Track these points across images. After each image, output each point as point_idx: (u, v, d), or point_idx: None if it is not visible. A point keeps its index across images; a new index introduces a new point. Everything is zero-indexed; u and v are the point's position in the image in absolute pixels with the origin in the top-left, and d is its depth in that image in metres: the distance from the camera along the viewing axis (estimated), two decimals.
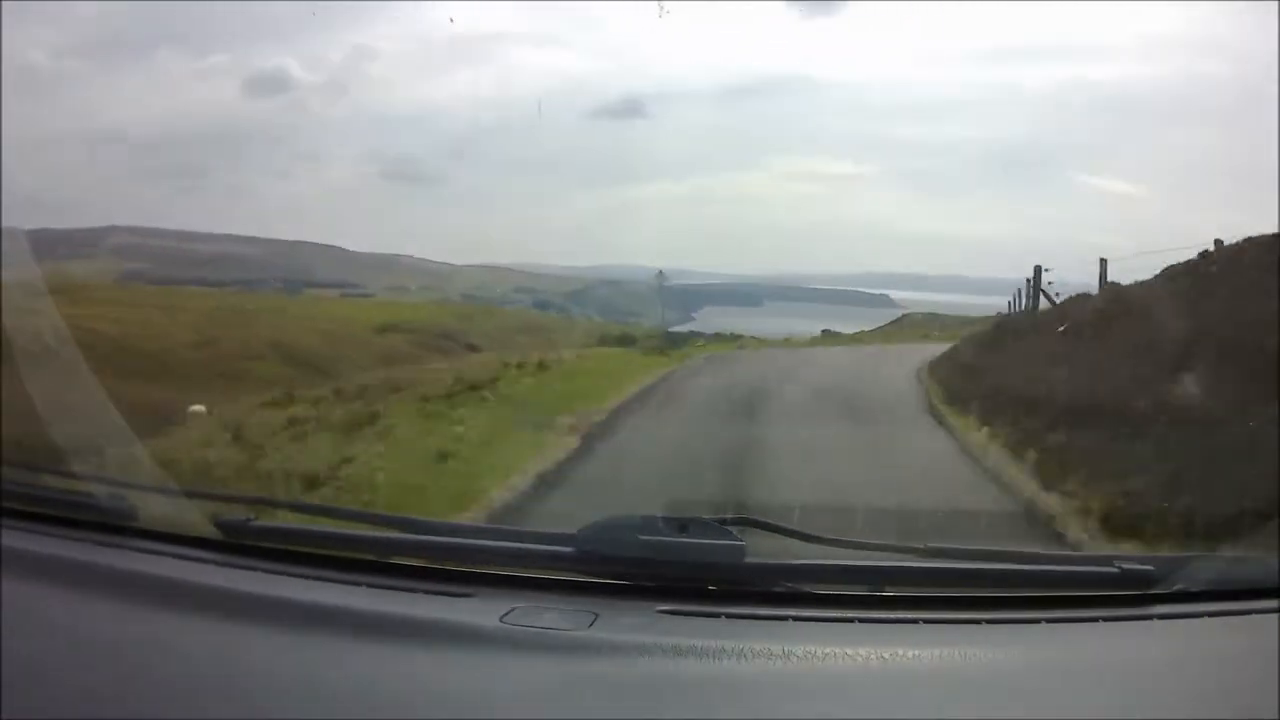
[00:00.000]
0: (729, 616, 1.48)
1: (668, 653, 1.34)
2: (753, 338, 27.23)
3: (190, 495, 1.98)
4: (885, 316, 30.16)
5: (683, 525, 1.57)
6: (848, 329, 28.42)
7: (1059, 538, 5.60)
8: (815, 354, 23.32)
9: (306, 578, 1.59)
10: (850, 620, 1.49)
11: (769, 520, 1.67)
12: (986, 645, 1.46)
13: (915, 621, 1.48)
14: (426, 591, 1.54)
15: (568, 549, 1.58)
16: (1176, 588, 1.54)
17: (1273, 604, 1.50)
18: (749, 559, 1.55)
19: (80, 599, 1.51)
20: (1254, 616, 1.51)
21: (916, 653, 1.40)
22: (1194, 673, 1.39)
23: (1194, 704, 1.29)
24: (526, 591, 1.54)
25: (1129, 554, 1.61)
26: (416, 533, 1.81)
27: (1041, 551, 1.80)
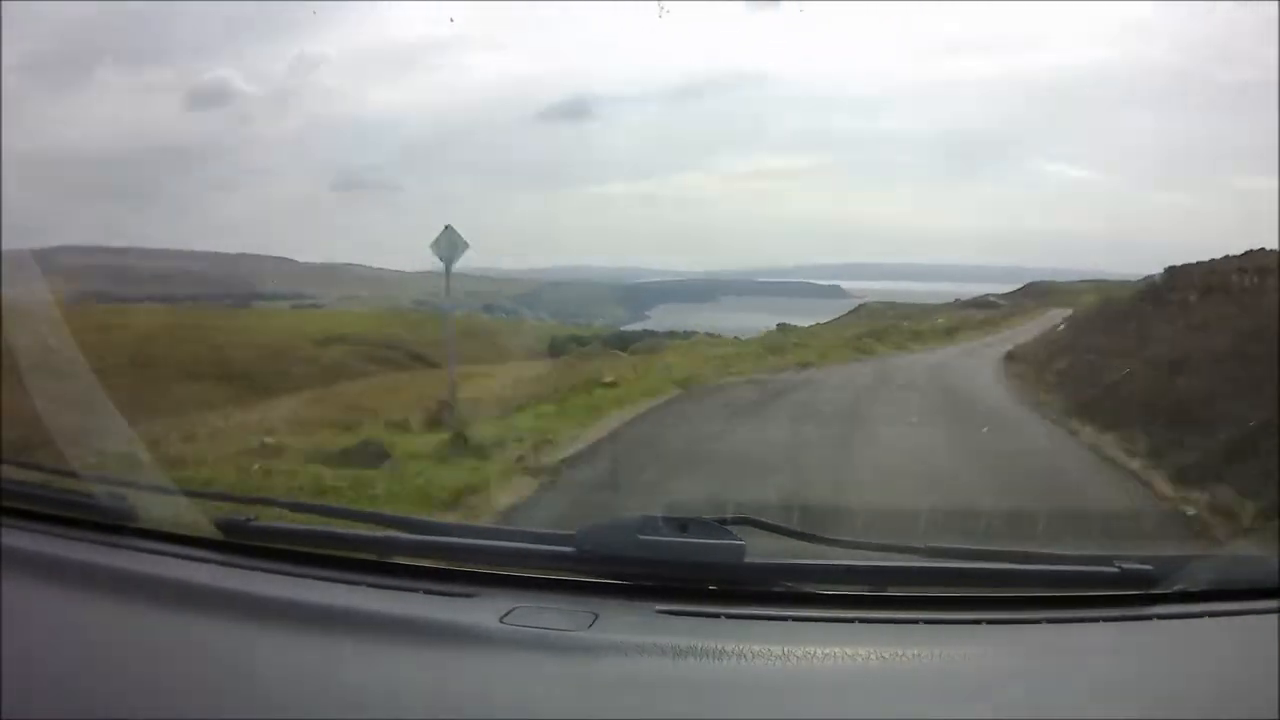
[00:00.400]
0: (729, 616, 1.48)
1: (667, 653, 1.34)
2: (707, 334, 26.65)
3: (190, 495, 1.98)
4: (839, 308, 29.71)
5: (683, 525, 1.57)
6: (803, 322, 27.93)
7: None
8: (896, 371, 18.87)
9: (306, 578, 1.59)
10: (850, 620, 1.49)
11: (769, 520, 1.67)
12: (986, 645, 1.46)
13: (915, 621, 1.48)
14: (427, 591, 1.54)
15: (568, 549, 1.58)
16: (1176, 588, 1.54)
17: (1273, 604, 1.50)
18: (749, 559, 1.55)
19: (80, 599, 1.51)
20: (1254, 616, 1.51)
21: (916, 653, 1.40)
22: (1194, 673, 1.39)
23: (1194, 704, 1.29)
24: (527, 591, 1.54)
25: (1129, 554, 1.61)
26: (416, 533, 1.81)
27: (1041, 551, 1.79)
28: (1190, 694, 1.32)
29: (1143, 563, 1.57)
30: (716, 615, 1.49)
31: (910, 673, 1.36)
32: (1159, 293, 17.00)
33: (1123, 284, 26.57)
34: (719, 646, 1.35)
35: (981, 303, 29.06)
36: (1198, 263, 17.01)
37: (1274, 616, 1.48)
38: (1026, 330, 26.14)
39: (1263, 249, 15.53)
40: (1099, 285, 27.78)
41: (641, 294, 30.41)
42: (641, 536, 1.55)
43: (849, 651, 1.41)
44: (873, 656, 1.38)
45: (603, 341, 25.09)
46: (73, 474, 1.90)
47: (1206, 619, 1.51)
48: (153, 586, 1.54)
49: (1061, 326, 23.66)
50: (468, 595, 1.53)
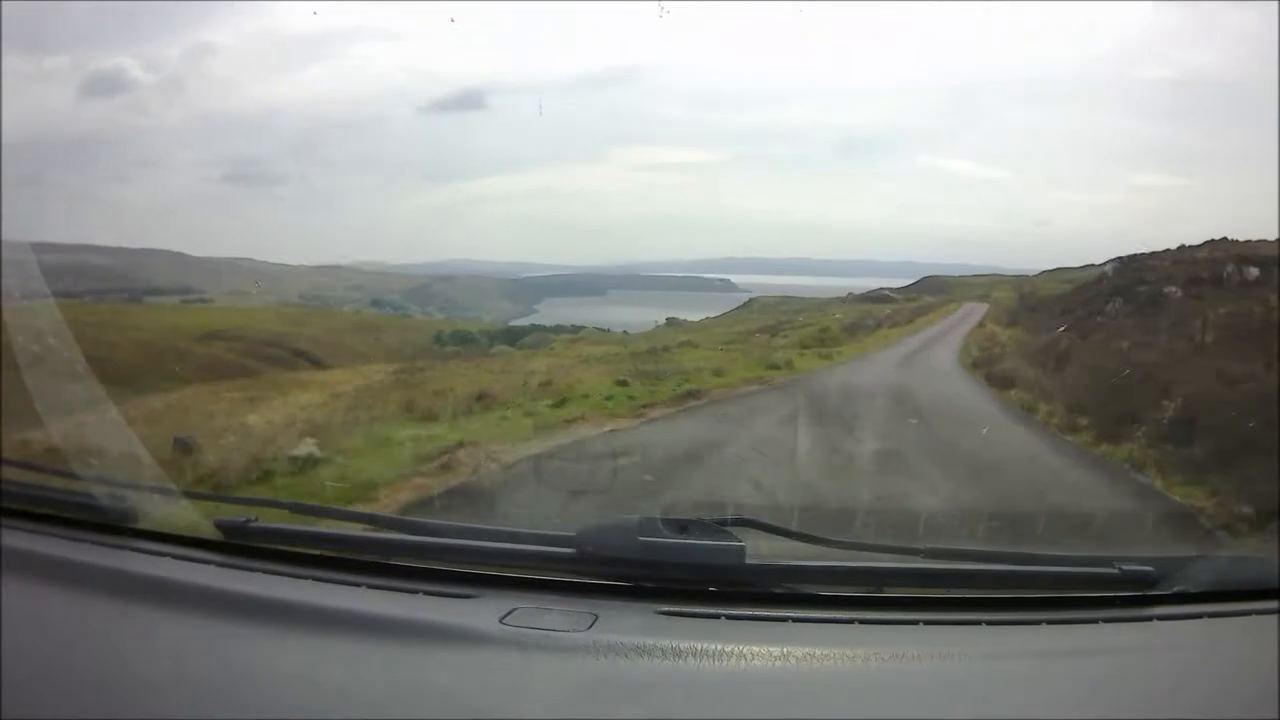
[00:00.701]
0: (729, 618, 1.48)
1: (668, 654, 1.34)
2: (595, 329, 25.93)
3: (190, 496, 1.98)
4: (731, 301, 29.02)
5: (683, 526, 1.57)
6: (693, 316, 27.24)
7: None
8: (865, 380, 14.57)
9: (306, 579, 1.59)
10: (850, 621, 1.49)
11: (769, 521, 1.67)
12: (986, 646, 1.46)
13: (915, 623, 1.48)
14: (427, 592, 1.54)
15: (568, 550, 1.58)
16: (1176, 588, 1.54)
17: (1273, 604, 1.51)
18: (749, 560, 1.55)
19: (80, 599, 1.51)
20: (1254, 617, 1.51)
21: (916, 653, 1.40)
22: (1194, 673, 1.39)
23: (1194, 704, 1.29)
24: (527, 592, 1.54)
25: (1129, 554, 1.61)
26: (416, 534, 1.81)
27: (1041, 552, 1.79)
28: (1190, 694, 1.32)
29: (1143, 563, 1.57)
30: (716, 616, 1.49)
31: (910, 673, 1.36)
32: (1122, 284, 16.82)
33: (1020, 277, 26.55)
34: (719, 647, 1.35)
35: (877, 297, 27.72)
36: (1154, 253, 17.34)
37: (1274, 617, 1.48)
38: (954, 328, 24.21)
39: (1225, 238, 15.70)
40: (995, 279, 27.39)
41: (532, 288, 29.72)
42: (642, 538, 1.55)
43: (849, 652, 1.41)
44: (873, 657, 1.38)
45: (489, 336, 24.55)
46: (73, 474, 1.90)
47: (1206, 619, 1.51)
48: (153, 587, 1.54)
49: (996, 327, 22.39)
50: (468, 596, 1.53)
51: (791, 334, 24.53)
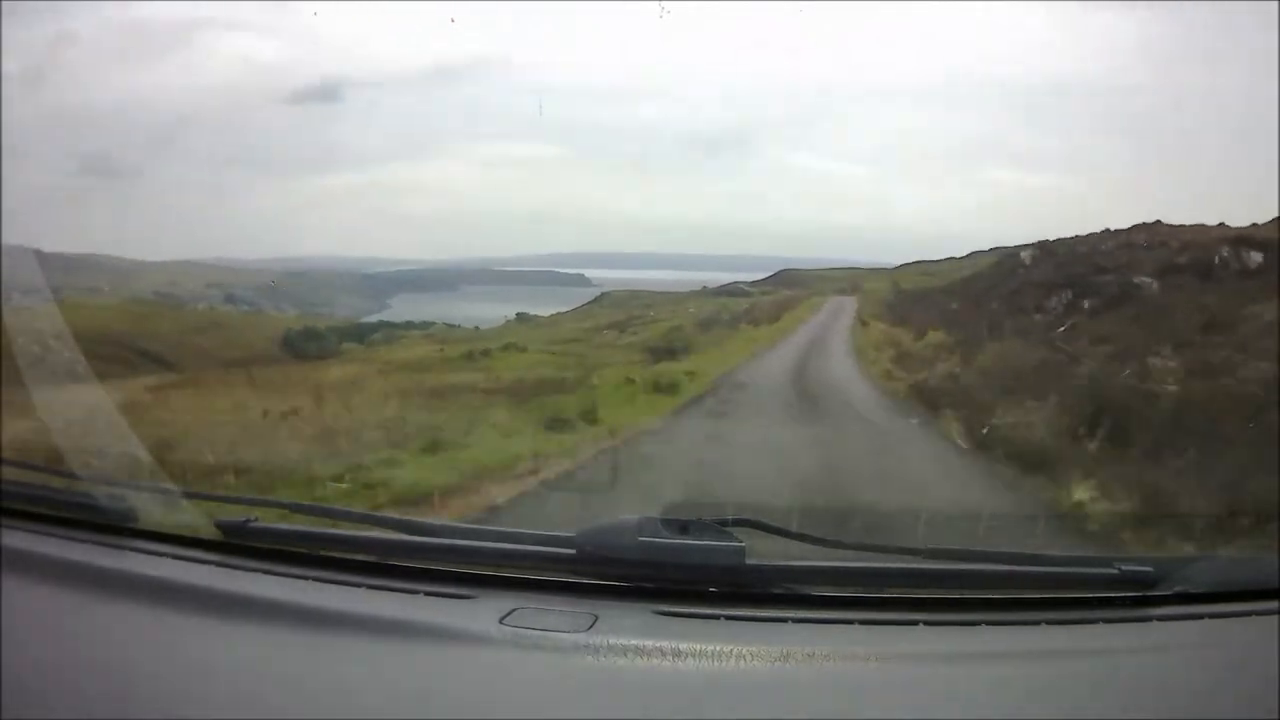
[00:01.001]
0: (729, 618, 1.48)
1: (668, 654, 1.34)
2: (445, 324, 24.73)
3: (190, 496, 1.97)
4: (583, 296, 28.27)
5: (683, 527, 1.57)
6: (544, 311, 26.73)
7: None
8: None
9: (306, 579, 1.59)
10: (850, 622, 1.49)
11: (769, 522, 1.66)
12: (986, 647, 1.46)
13: (915, 623, 1.48)
14: (426, 593, 1.54)
15: (568, 550, 1.58)
16: (1176, 589, 1.54)
17: (1273, 605, 1.50)
18: (749, 561, 1.54)
19: (80, 599, 1.50)
20: (1254, 617, 1.51)
21: (916, 653, 1.40)
22: (1194, 673, 1.39)
23: (1194, 704, 1.29)
24: (526, 593, 1.53)
25: (1129, 555, 1.61)
26: (416, 534, 1.81)
27: (1041, 553, 1.79)
28: (1190, 694, 1.32)
29: (1142, 564, 1.57)
30: (717, 617, 1.48)
31: (910, 673, 1.36)
32: (1062, 273, 16.20)
33: (878, 270, 26.18)
34: (719, 648, 1.35)
35: (732, 290, 26.25)
36: (1074, 237, 17.15)
37: (1274, 617, 1.48)
38: (830, 325, 21.39)
39: (1159, 221, 15.54)
40: (853, 273, 27.08)
41: (385, 283, 28.91)
42: (642, 538, 1.55)
43: (849, 652, 1.41)
44: (873, 657, 1.38)
45: (339, 334, 24.10)
46: (73, 474, 1.90)
47: (1206, 620, 1.51)
48: (152, 587, 1.54)
49: (883, 325, 20.26)
50: (467, 597, 1.53)
51: (641, 330, 21.89)
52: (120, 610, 1.48)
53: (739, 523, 1.61)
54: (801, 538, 1.68)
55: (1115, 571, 1.57)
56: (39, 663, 1.31)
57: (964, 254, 24.53)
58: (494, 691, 1.29)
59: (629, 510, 1.60)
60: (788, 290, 26.68)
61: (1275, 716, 1.19)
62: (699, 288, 26.95)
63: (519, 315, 25.56)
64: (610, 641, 1.37)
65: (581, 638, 1.38)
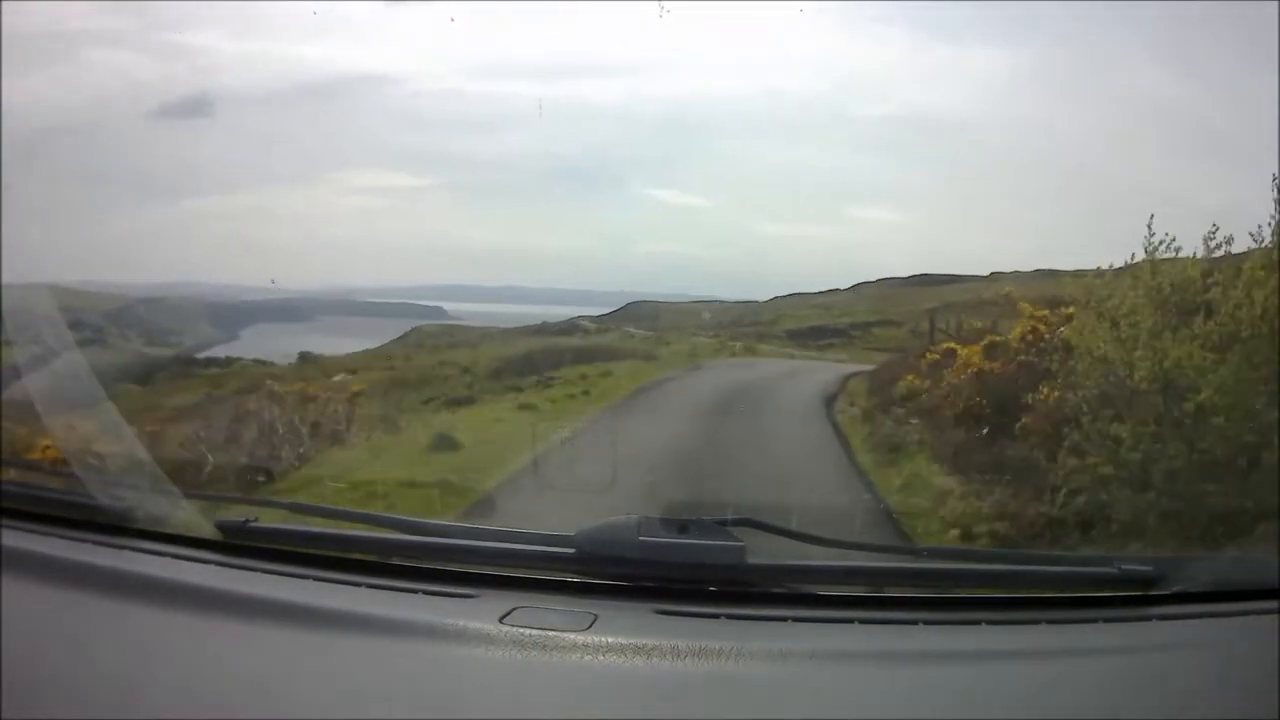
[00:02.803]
0: (729, 617, 1.48)
1: (667, 653, 1.34)
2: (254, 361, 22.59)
3: (190, 496, 1.98)
4: (399, 329, 27.14)
5: (683, 526, 1.57)
6: (341, 349, 23.63)
7: None
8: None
9: (306, 579, 1.59)
10: (850, 621, 1.49)
11: (769, 521, 1.66)
12: (986, 646, 1.46)
13: (915, 622, 1.48)
14: (427, 592, 1.54)
15: (568, 550, 1.58)
16: (1176, 588, 1.54)
17: (1273, 604, 1.50)
18: (749, 560, 1.55)
19: (80, 599, 1.50)
20: (1254, 617, 1.51)
21: (916, 653, 1.40)
22: (1194, 673, 1.39)
23: (1194, 704, 1.29)
24: (527, 592, 1.54)
25: (1129, 554, 1.61)
26: (416, 534, 1.81)
27: (1041, 552, 1.80)
28: (1190, 694, 1.32)
29: (1143, 563, 1.57)
30: (716, 616, 1.49)
31: (910, 673, 1.36)
32: None
33: (747, 305, 24.41)
34: (719, 647, 1.35)
35: (568, 327, 23.21)
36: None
37: (1274, 617, 1.48)
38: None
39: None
40: (710, 306, 25.17)
41: (241, 313, 27.58)
42: (641, 538, 1.55)
43: (849, 652, 1.41)
44: (873, 657, 1.38)
45: (169, 369, 21.36)
46: (73, 474, 1.90)
47: (1206, 619, 1.51)
48: (152, 587, 1.54)
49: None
50: (467, 596, 1.53)
51: (424, 379, 15.97)
52: (120, 610, 1.48)
53: (739, 522, 1.61)
54: (801, 537, 1.68)
55: (1115, 571, 1.57)
56: (39, 663, 1.31)
57: (848, 285, 23.61)
58: (494, 691, 1.29)
59: (628, 510, 1.60)
60: (634, 327, 23.44)
61: (1275, 716, 1.19)
62: (540, 323, 24.46)
63: (302, 355, 22.59)
64: (610, 641, 1.37)
65: (581, 637, 1.38)
